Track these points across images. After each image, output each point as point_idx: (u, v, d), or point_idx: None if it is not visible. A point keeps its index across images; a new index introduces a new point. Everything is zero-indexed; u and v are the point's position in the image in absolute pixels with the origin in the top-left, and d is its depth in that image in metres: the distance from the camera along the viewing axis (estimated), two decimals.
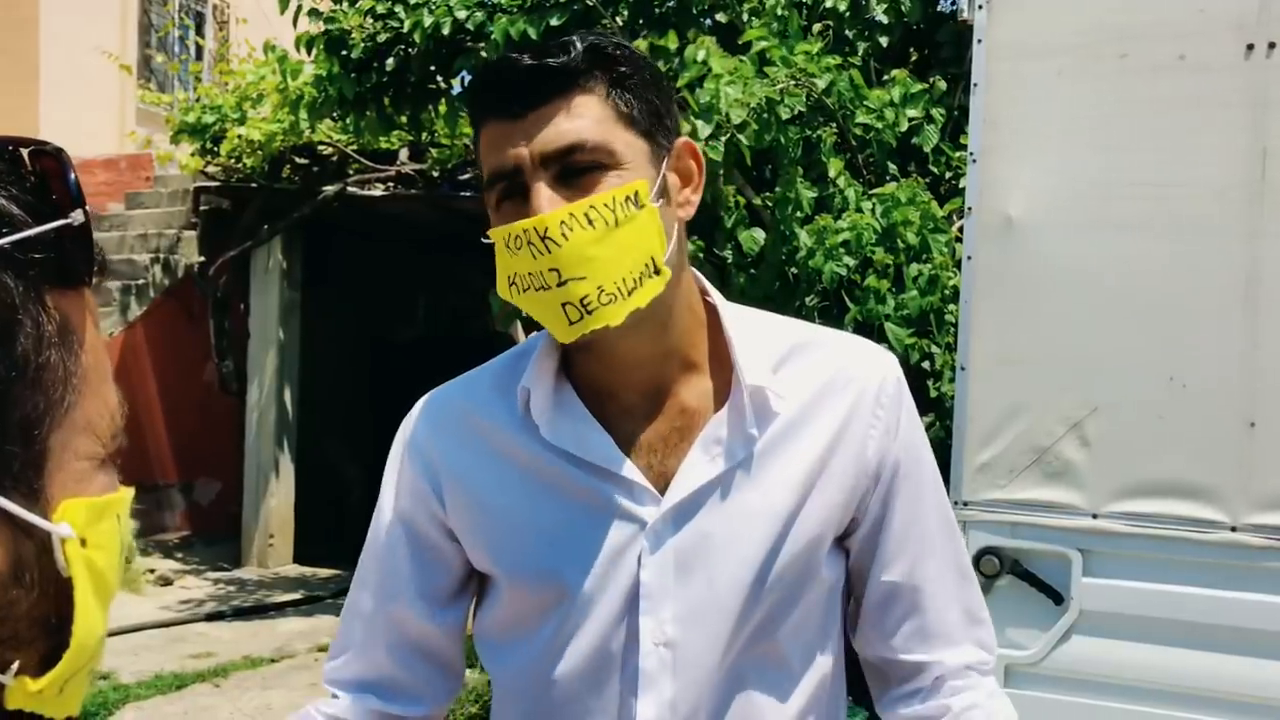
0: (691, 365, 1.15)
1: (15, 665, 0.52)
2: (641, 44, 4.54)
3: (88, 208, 0.53)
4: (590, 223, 1.03)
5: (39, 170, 0.53)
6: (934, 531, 1.19)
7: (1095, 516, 2.43)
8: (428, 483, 1.18)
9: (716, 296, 1.19)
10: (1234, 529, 2.34)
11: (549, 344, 1.16)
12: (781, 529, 1.12)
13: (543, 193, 1.04)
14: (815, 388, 1.16)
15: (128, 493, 0.57)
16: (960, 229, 3.46)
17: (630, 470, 1.12)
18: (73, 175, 0.53)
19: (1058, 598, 2.47)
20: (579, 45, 1.08)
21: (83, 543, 0.53)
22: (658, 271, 1.07)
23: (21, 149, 0.53)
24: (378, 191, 8.06)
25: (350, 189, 8.01)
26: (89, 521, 0.53)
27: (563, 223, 1.03)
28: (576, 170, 1.05)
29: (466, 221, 8.64)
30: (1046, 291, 2.47)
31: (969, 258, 2.58)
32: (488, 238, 1.09)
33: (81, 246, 0.53)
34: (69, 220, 0.52)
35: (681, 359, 1.15)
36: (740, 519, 1.12)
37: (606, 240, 1.04)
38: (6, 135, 0.54)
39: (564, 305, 1.04)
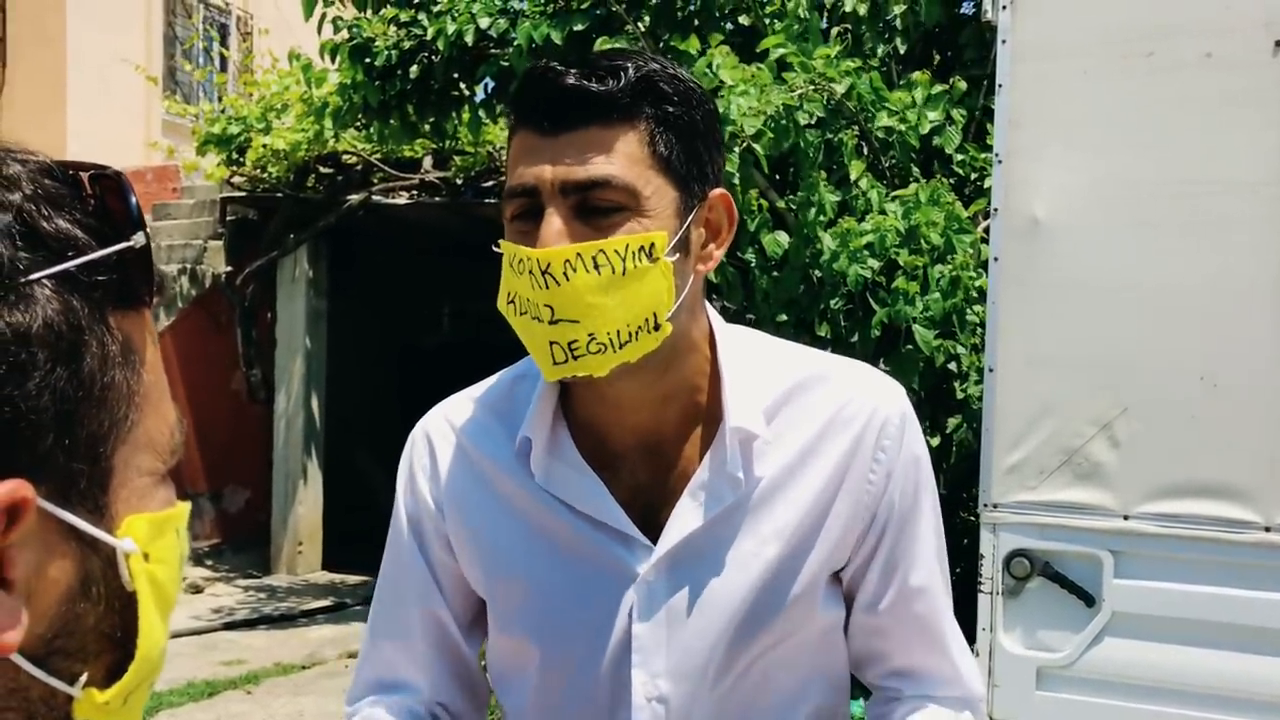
0: (694, 409, 1.11)
1: (84, 678, 0.53)
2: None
3: (148, 230, 0.54)
4: (597, 267, 0.98)
5: (99, 193, 0.54)
6: (920, 577, 1.15)
7: (1126, 518, 2.42)
8: (435, 505, 1.16)
9: (721, 333, 1.13)
10: (1267, 529, 2.32)
11: (550, 388, 1.11)
12: (775, 578, 1.09)
13: (553, 224, 0.98)
14: (817, 428, 1.11)
15: (185, 506, 0.59)
16: (985, 230, 3.45)
17: (623, 522, 1.08)
18: (133, 198, 0.54)
19: (1089, 599, 2.46)
20: (630, 72, 1.00)
21: (145, 557, 0.54)
22: (657, 327, 1.01)
23: (81, 173, 0.54)
24: (402, 199, 8.10)
25: (375, 197, 8.05)
26: (151, 536, 0.55)
27: (567, 261, 0.97)
28: (597, 207, 0.99)
29: (490, 228, 8.64)
30: (1074, 292, 2.46)
31: (995, 259, 2.57)
32: (499, 247, 1.04)
33: (142, 268, 0.54)
34: (131, 243, 0.53)
35: (683, 404, 1.10)
36: (733, 568, 1.09)
37: (610, 288, 0.98)
38: (67, 160, 0.55)
39: (551, 343, 1.00)
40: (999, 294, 2.56)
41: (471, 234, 8.81)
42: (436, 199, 8.03)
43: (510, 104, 1.05)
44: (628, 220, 0.99)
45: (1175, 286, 2.39)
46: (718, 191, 1.07)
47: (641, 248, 0.99)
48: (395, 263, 9.63)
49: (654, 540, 1.09)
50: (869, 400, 1.13)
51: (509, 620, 1.14)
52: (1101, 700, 2.46)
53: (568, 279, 0.98)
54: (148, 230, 0.54)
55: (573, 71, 0.99)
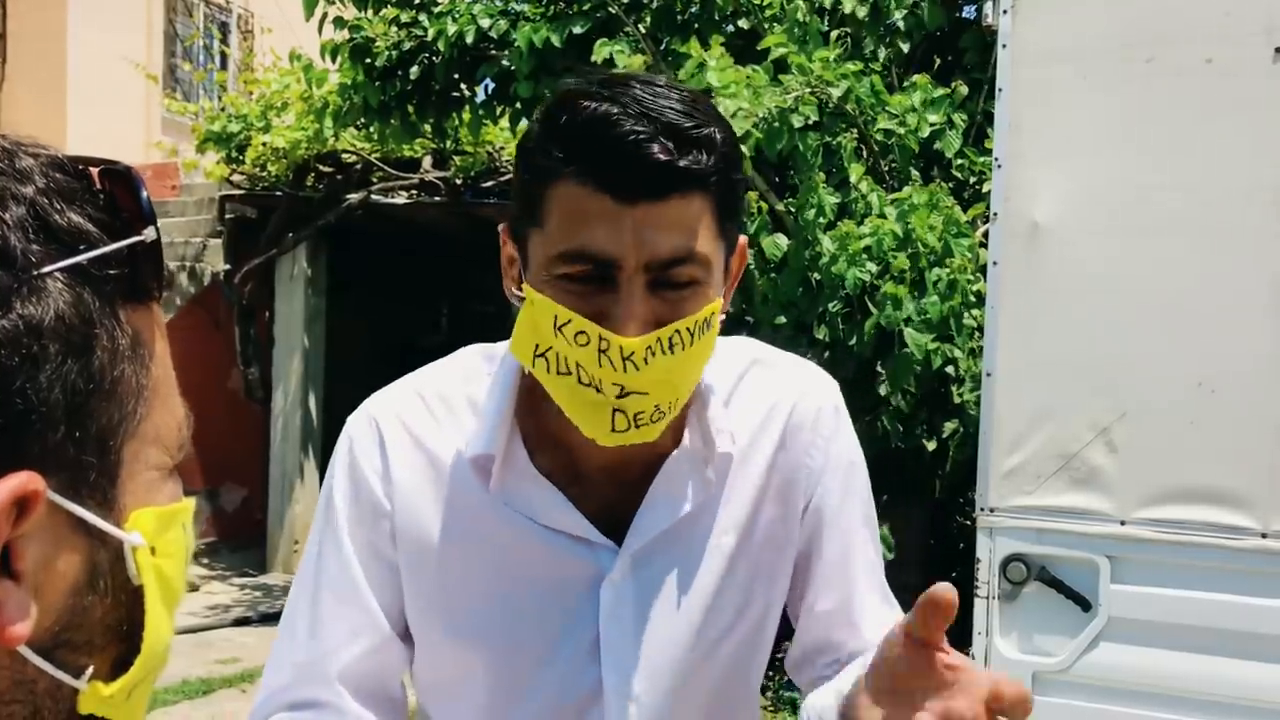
0: (670, 433, 1.09)
1: (89, 670, 0.53)
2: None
3: (158, 224, 0.54)
4: (671, 348, 0.96)
5: (108, 188, 0.54)
6: (859, 564, 1.18)
7: (1123, 523, 2.42)
8: (387, 504, 1.09)
9: None
10: (1264, 535, 2.32)
11: (508, 401, 1.07)
12: (733, 567, 1.12)
13: (637, 308, 0.95)
14: (759, 418, 1.14)
15: (191, 502, 0.59)
16: (984, 234, 3.45)
17: (588, 529, 1.07)
18: (144, 193, 0.55)
19: (1085, 604, 2.46)
20: (716, 139, 0.96)
21: (152, 551, 0.54)
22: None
23: (91, 167, 0.54)
24: (401, 199, 8.10)
25: (374, 196, 8.05)
26: (158, 530, 0.55)
27: (649, 347, 0.95)
28: (673, 281, 0.96)
29: (489, 228, 8.64)
30: (1073, 297, 2.46)
31: (994, 263, 2.57)
32: (520, 293, 0.99)
33: (152, 262, 0.54)
34: (143, 237, 0.53)
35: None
36: (696, 561, 1.11)
37: (679, 362, 0.97)
38: (77, 155, 0.55)
39: (615, 412, 0.98)
40: (998, 298, 2.56)
41: (470, 234, 8.82)
42: (436, 199, 8.03)
43: (567, 151, 0.95)
44: (698, 292, 0.97)
45: (1174, 292, 2.39)
46: (742, 239, 1.07)
47: (705, 320, 0.98)
48: (394, 262, 9.63)
49: (616, 540, 1.08)
50: (804, 387, 1.17)
51: (460, 628, 1.09)
52: (1097, 705, 2.46)
53: (648, 364, 0.95)
54: (158, 225, 0.54)
55: (660, 140, 0.93)
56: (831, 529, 1.16)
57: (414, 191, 8.07)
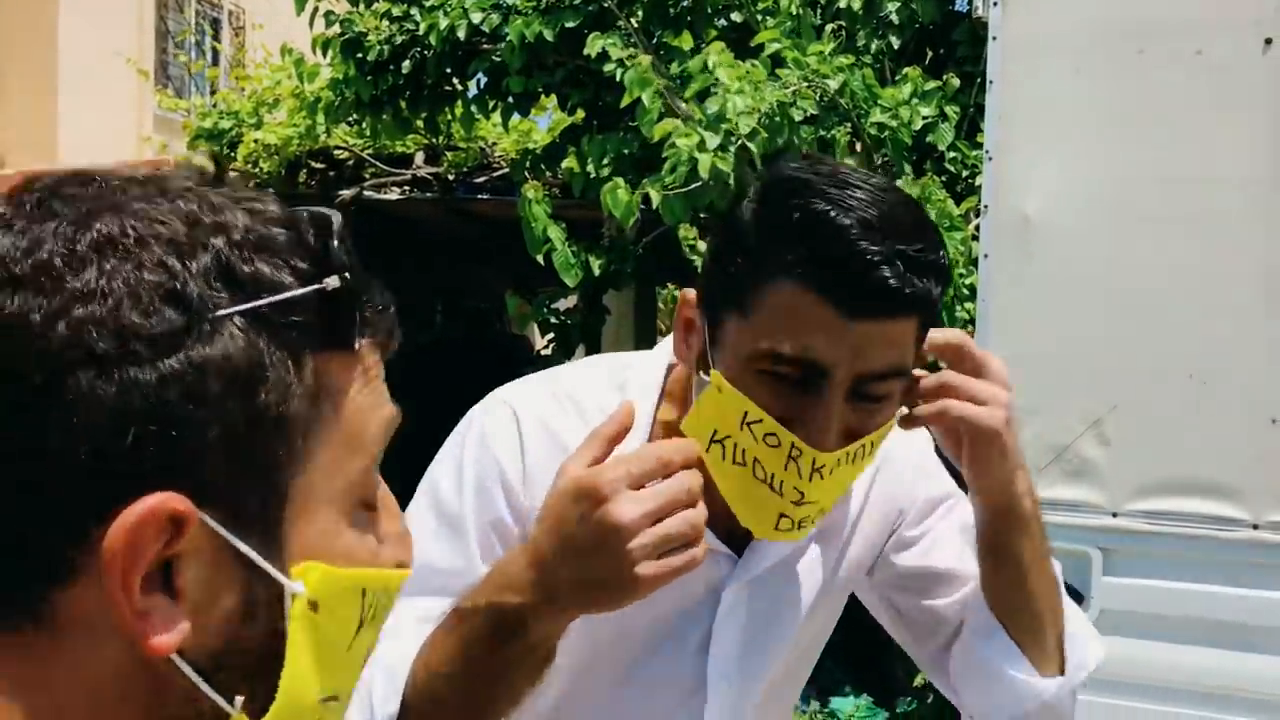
0: None
1: (240, 700, 0.54)
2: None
3: (349, 274, 0.55)
4: (853, 460, 0.98)
5: (310, 235, 0.55)
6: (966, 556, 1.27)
7: (1115, 515, 2.42)
8: (530, 508, 1.07)
9: None
10: (1256, 526, 2.32)
11: (646, 418, 1.09)
12: (827, 585, 1.20)
13: (836, 421, 0.95)
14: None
15: (390, 574, 0.58)
16: (977, 227, 3.45)
17: (707, 535, 1.09)
18: (333, 242, 0.55)
19: (1078, 597, 2.46)
20: (942, 264, 0.96)
21: (315, 606, 0.54)
22: None
23: (303, 211, 0.56)
24: (394, 195, 8.08)
25: (366, 193, 8.03)
26: (327, 589, 0.55)
27: (838, 460, 0.96)
28: (871, 394, 0.97)
29: (482, 225, 8.64)
30: (1064, 289, 2.46)
31: (985, 256, 2.57)
32: (705, 375, 0.99)
33: (344, 309, 0.55)
34: (323, 286, 0.54)
35: None
36: (803, 583, 1.19)
37: (855, 472, 1.01)
38: (297, 206, 0.56)
39: (781, 515, 0.99)
40: (989, 291, 2.55)
41: (464, 230, 8.80)
42: (428, 195, 8.01)
43: (795, 254, 0.94)
44: (890, 402, 0.99)
45: (1165, 284, 2.39)
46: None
47: (887, 434, 1.01)
48: (387, 258, 9.61)
49: (737, 554, 1.15)
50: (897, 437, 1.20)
51: (577, 634, 1.14)
52: (1089, 698, 2.46)
53: (833, 474, 0.97)
54: (348, 274, 0.55)
55: (893, 263, 0.92)
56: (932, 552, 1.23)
57: (406, 188, 8.06)
